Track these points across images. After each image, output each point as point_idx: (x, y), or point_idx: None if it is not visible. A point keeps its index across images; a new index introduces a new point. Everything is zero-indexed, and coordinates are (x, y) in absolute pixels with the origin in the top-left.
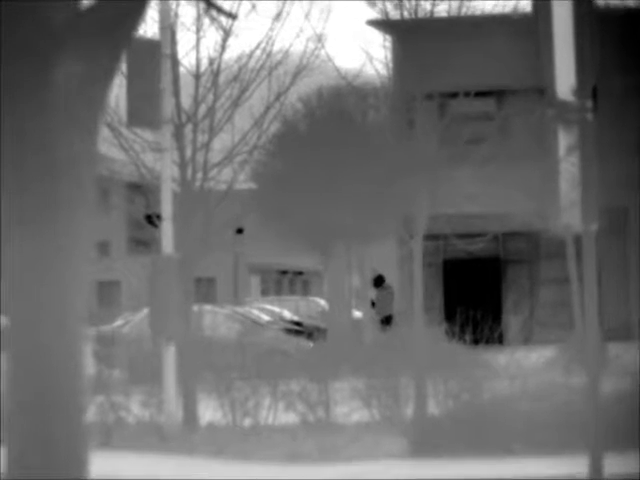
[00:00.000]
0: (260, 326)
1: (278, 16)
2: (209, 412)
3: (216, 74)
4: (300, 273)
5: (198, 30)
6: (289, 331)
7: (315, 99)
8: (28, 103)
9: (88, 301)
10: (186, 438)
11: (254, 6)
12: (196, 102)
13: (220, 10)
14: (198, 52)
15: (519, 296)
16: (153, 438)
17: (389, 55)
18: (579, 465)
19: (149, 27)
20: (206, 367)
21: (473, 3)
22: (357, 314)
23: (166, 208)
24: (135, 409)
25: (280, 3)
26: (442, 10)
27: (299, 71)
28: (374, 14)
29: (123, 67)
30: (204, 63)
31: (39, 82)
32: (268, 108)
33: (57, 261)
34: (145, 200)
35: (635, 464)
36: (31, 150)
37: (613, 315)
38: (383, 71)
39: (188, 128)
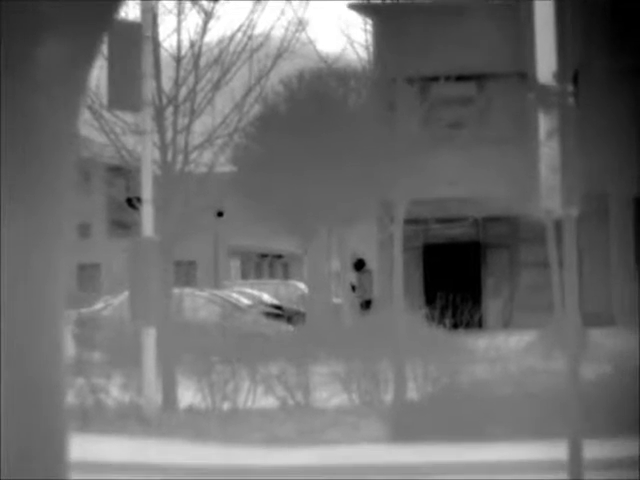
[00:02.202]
0: (240, 309)
1: None
2: (188, 395)
3: (197, 57)
4: (280, 256)
5: (179, 13)
6: (269, 315)
7: (296, 82)
8: (11, 83)
9: (68, 284)
10: (165, 421)
11: None
12: (177, 85)
13: None
14: (179, 35)
15: (499, 280)
16: (132, 421)
17: (370, 39)
18: (558, 450)
19: (130, 9)
20: (186, 350)
21: None
22: (337, 299)
23: (146, 191)
24: (115, 392)
25: None
26: None
27: (280, 54)
28: None
29: (104, 49)
30: (185, 46)
31: (22, 62)
32: (249, 91)
33: (37, 243)
34: (125, 182)
35: (614, 449)
36: (12, 131)
37: (593, 300)
38: (364, 54)
39: (169, 111)
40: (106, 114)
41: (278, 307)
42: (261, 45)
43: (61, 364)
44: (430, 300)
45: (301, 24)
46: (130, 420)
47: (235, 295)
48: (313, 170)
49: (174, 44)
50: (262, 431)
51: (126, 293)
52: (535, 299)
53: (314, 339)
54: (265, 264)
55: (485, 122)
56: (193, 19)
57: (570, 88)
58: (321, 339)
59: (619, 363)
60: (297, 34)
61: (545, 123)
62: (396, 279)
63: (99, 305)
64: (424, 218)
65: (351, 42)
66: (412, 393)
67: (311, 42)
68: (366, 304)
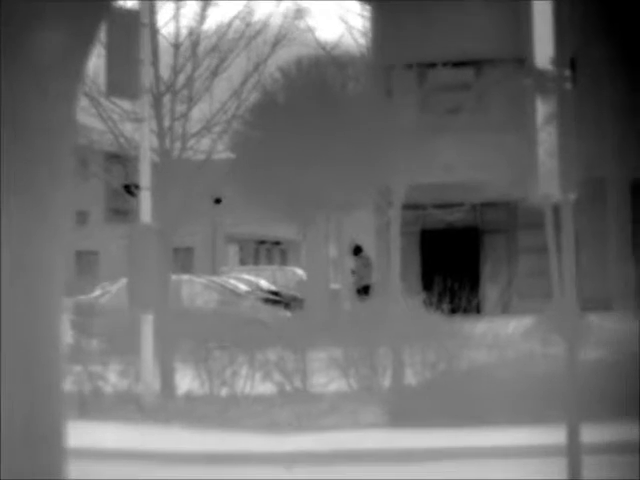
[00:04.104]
0: (238, 296)
1: None
2: (186, 382)
3: (195, 44)
4: (278, 243)
5: None
6: (267, 301)
7: (294, 69)
8: (8, 70)
9: (66, 271)
10: (163, 408)
11: None
12: (175, 72)
13: None
14: (177, 22)
15: (497, 266)
16: (130, 408)
17: (368, 25)
18: (557, 434)
19: None
20: (184, 337)
21: None
22: (335, 285)
23: (144, 178)
24: (113, 379)
25: None
26: None
27: (278, 41)
28: None
29: (102, 37)
30: (183, 33)
31: (19, 49)
32: (247, 78)
33: (35, 230)
34: (123, 170)
35: (613, 434)
36: (9, 118)
37: (591, 285)
38: (362, 40)
39: (167, 98)
40: (104, 101)
41: (276, 293)
42: (259, 32)
43: (59, 351)
44: (428, 285)
45: (299, 12)
46: (128, 407)
47: (233, 281)
48: (311, 157)
49: (172, 31)
50: (260, 417)
51: (124, 280)
52: (533, 284)
53: (312, 325)
54: (263, 250)
55: (483, 107)
56: (191, 6)
57: (567, 73)
58: (319, 325)
59: (617, 347)
60: (295, 21)
61: (543, 108)
62: (394, 265)
63: (97, 292)
64: (422, 204)
65: (349, 28)
66: (410, 378)
67: (310, 29)
68: (364, 290)
